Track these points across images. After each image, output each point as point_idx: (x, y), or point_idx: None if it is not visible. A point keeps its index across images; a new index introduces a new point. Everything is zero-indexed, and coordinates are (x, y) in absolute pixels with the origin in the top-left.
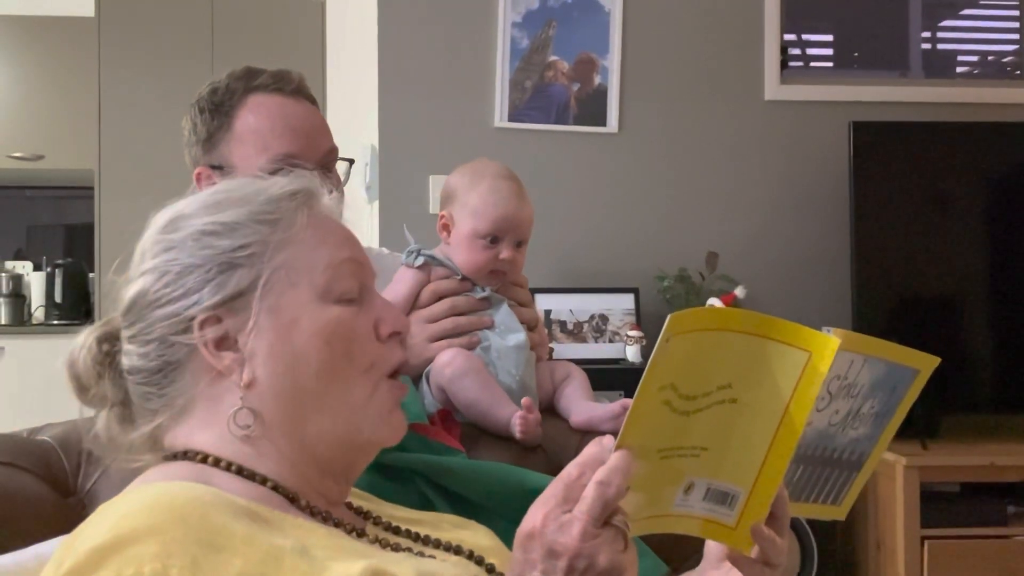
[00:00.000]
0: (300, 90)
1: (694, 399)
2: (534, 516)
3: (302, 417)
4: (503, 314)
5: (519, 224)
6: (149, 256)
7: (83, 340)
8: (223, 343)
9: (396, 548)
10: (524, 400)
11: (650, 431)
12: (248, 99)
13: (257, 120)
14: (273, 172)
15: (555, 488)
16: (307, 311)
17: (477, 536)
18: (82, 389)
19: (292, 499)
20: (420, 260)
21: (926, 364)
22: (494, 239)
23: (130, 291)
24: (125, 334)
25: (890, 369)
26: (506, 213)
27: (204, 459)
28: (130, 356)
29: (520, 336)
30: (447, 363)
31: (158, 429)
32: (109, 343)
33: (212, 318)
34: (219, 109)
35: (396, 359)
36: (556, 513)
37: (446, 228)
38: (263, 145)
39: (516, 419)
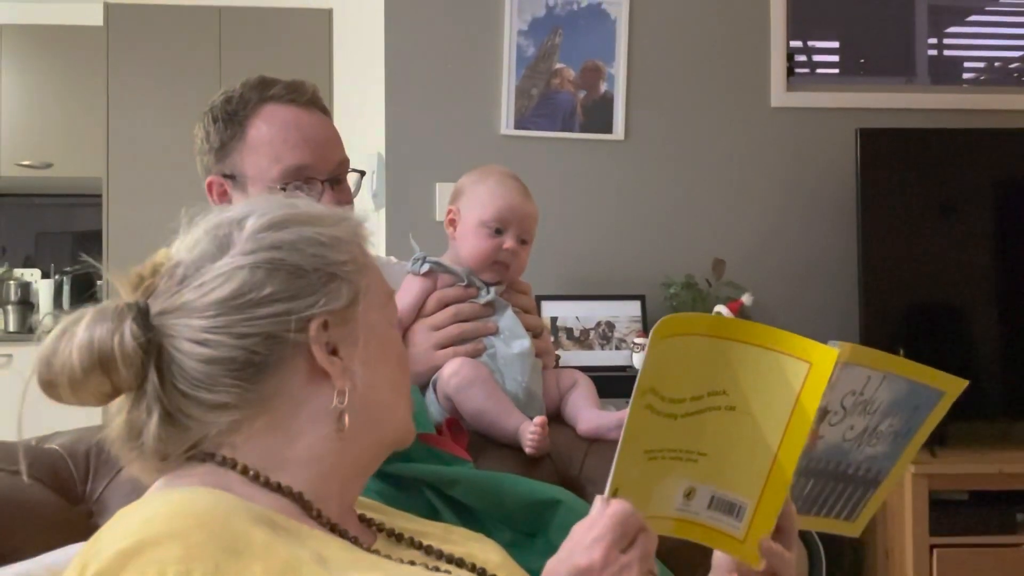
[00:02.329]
0: (314, 101)
1: (680, 402)
2: (591, 553)
3: (382, 426)
4: (507, 319)
5: (523, 217)
6: (244, 251)
7: (111, 329)
8: (330, 349)
9: (405, 561)
10: (538, 419)
11: (638, 435)
12: (262, 109)
13: (270, 130)
14: (283, 186)
15: (610, 527)
16: (386, 332)
17: (486, 550)
18: (108, 372)
19: (307, 509)
20: (425, 267)
21: (953, 386)
22: (499, 229)
23: (227, 285)
24: (198, 324)
25: (912, 388)
26: (512, 204)
27: (223, 462)
28: (211, 346)
29: (524, 343)
30: (454, 372)
31: (233, 424)
32: (147, 328)
33: (325, 324)
34: (233, 118)
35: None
36: (615, 555)
37: (452, 223)
38: (275, 156)
39: (528, 433)
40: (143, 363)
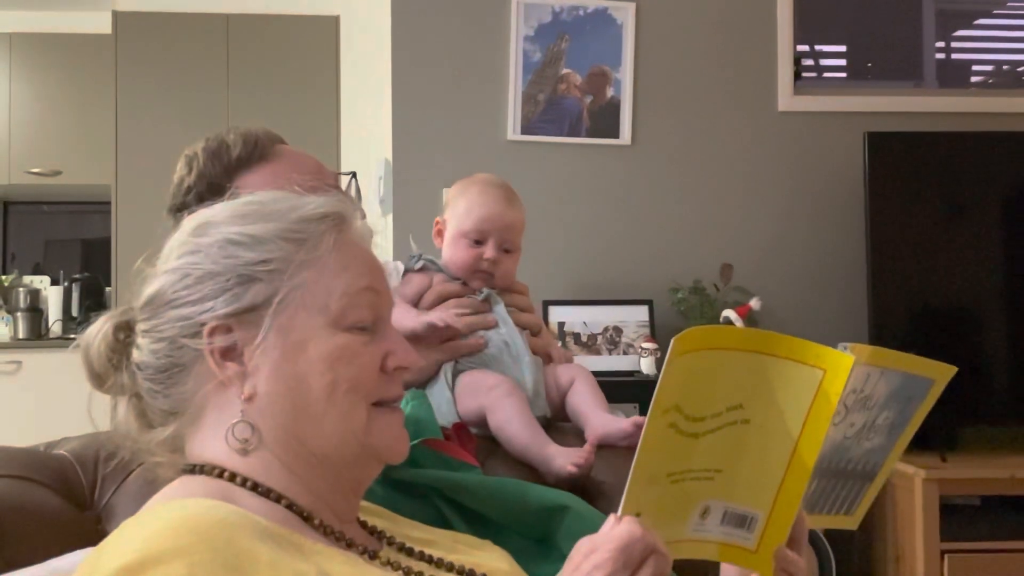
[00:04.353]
0: (273, 140)
1: (701, 420)
2: None
3: (302, 436)
4: (500, 319)
5: (504, 227)
6: (174, 256)
7: (99, 326)
8: (229, 354)
9: (410, 572)
10: (590, 440)
11: (658, 456)
12: (237, 184)
13: None
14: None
15: (612, 552)
16: (316, 335)
17: (493, 559)
18: (96, 377)
19: (306, 518)
20: (420, 263)
21: (941, 374)
22: (478, 239)
23: (151, 287)
24: (140, 327)
25: (906, 380)
26: (490, 215)
27: (221, 474)
28: (141, 350)
29: (525, 359)
30: (492, 387)
31: (176, 433)
32: (125, 332)
33: (223, 327)
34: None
35: (394, 393)
36: None
37: (440, 234)
38: None
39: (574, 460)
40: (116, 369)
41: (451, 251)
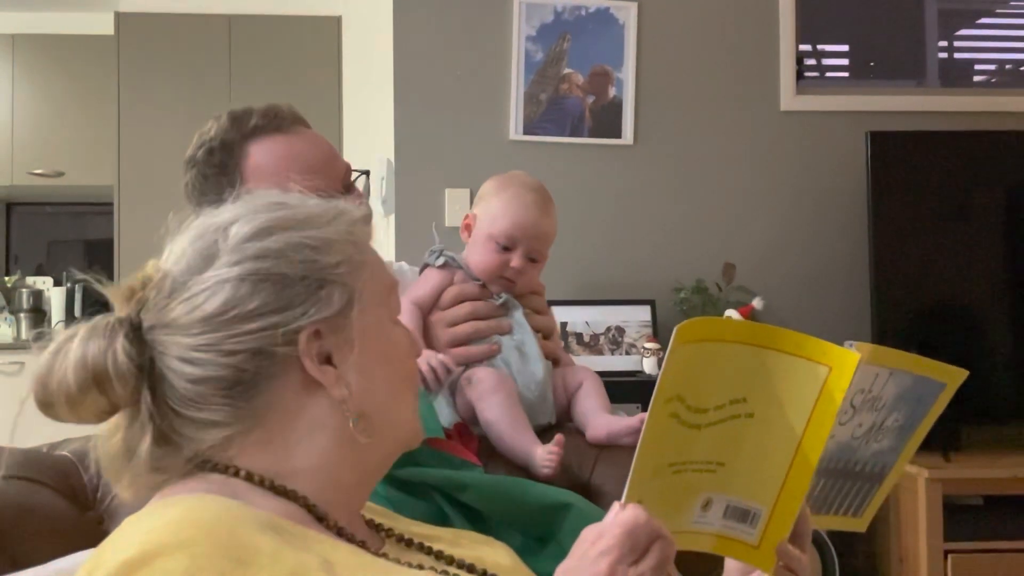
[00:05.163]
0: (296, 120)
1: (704, 412)
2: (596, 567)
3: (382, 428)
4: (517, 324)
5: (535, 236)
6: (229, 262)
7: (105, 346)
8: (323, 358)
9: (413, 565)
10: (557, 437)
11: (660, 445)
12: (249, 148)
13: (269, 166)
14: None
15: (618, 538)
16: (386, 331)
17: (496, 554)
18: (109, 406)
19: (313, 512)
20: (441, 260)
21: (953, 377)
22: (507, 246)
23: (212, 300)
24: (186, 342)
25: (916, 382)
26: (523, 222)
27: (225, 469)
28: (199, 365)
29: (535, 349)
30: (479, 381)
31: (225, 440)
32: (139, 344)
33: (317, 332)
34: (223, 169)
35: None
36: (622, 570)
37: (468, 228)
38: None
39: (544, 458)
40: (137, 380)
41: (477, 252)
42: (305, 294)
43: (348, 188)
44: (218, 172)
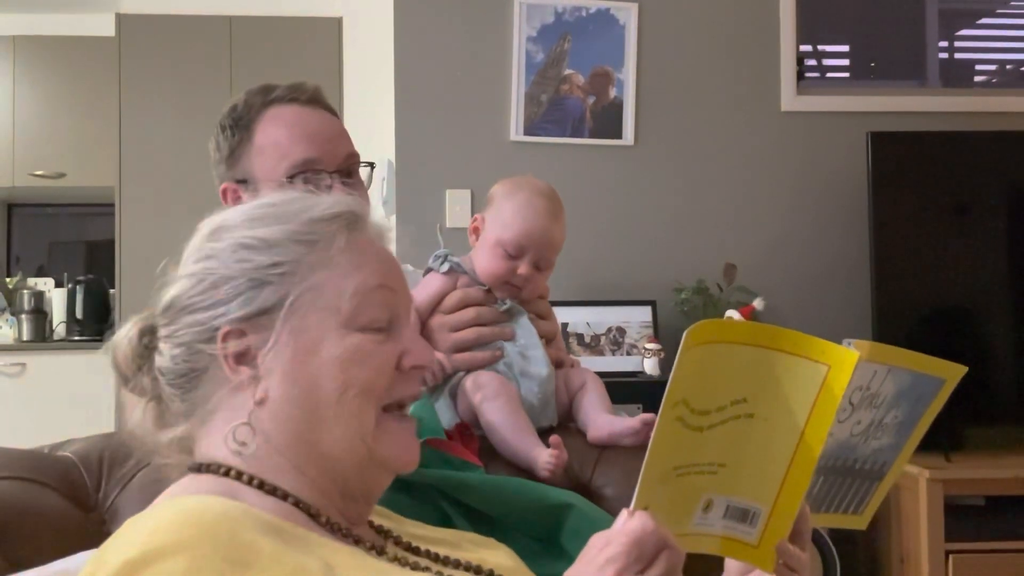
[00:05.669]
0: (316, 99)
1: (707, 414)
2: (603, 574)
3: (314, 440)
4: (524, 328)
5: (544, 244)
6: (191, 261)
7: (126, 331)
8: (243, 358)
9: (416, 568)
10: (553, 438)
11: (667, 450)
12: (266, 112)
13: (276, 131)
14: (291, 177)
15: (625, 546)
16: (328, 336)
17: (498, 556)
18: (123, 379)
19: (314, 516)
20: (446, 266)
21: (952, 373)
22: (515, 253)
23: (169, 292)
24: (161, 333)
25: (915, 379)
26: (532, 230)
27: (227, 472)
28: (162, 356)
29: (540, 353)
30: (481, 386)
31: (186, 434)
32: (149, 336)
33: (236, 331)
34: (239, 124)
35: (411, 392)
36: None
37: (476, 231)
38: (282, 154)
39: (544, 460)
40: (142, 360)
41: (484, 257)
42: (233, 294)
43: (348, 173)
44: (234, 126)
